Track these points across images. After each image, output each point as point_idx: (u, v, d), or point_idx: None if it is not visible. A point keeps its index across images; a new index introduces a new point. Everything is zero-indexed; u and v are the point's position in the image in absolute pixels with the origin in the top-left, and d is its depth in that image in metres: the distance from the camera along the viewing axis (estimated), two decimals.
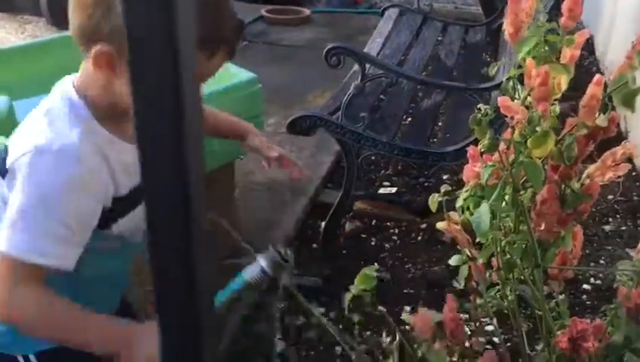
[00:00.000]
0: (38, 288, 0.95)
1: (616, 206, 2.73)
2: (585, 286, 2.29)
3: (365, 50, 2.93)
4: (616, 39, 3.65)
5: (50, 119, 0.98)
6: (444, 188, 1.00)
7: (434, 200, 0.99)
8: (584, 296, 2.25)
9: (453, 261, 1.00)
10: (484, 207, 0.89)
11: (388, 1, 5.75)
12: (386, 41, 3.20)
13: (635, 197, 2.79)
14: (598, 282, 2.31)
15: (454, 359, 0.95)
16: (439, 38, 3.57)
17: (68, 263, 0.96)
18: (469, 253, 1.00)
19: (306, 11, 5.07)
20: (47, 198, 0.93)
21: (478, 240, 0.95)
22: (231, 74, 2.21)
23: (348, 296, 0.90)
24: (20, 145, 0.96)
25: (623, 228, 2.63)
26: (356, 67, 2.60)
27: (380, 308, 0.94)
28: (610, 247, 2.51)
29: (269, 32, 4.76)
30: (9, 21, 4.75)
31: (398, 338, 0.96)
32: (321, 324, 2.10)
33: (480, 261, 0.98)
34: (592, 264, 2.38)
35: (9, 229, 0.92)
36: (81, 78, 1.01)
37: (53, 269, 0.95)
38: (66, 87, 1.01)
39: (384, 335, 1.00)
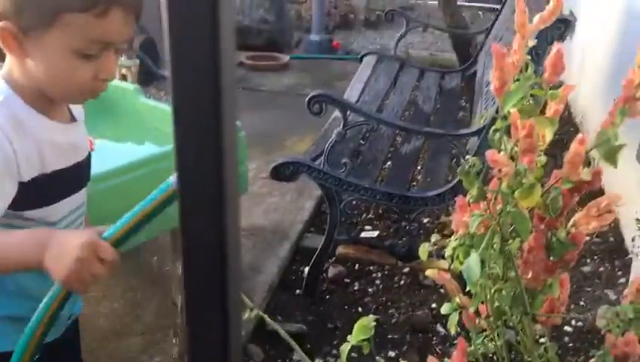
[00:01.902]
0: None
1: (593, 247, 2.77)
2: (567, 328, 2.31)
3: (345, 96, 2.99)
4: (586, 87, 3.77)
5: None
6: (434, 237, 1.02)
7: (424, 250, 1.01)
8: (566, 338, 2.27)
9: (444, 309, 1.01)
10: (474, 257, 0.90)
11: (363, 47, 5.91)
12: (365, 86, 3.27)
13: (612, 239, 2.85)
14: (580, 324, 2.33)
15: None
16: (416, 84, 3.66)
17: None
18: (459, 301, 1.02)
19: (285, 57, 5.16)
20: None
21: (468, 288, 0.96)
22: None
23: (346, 347, 0.90)
24: None
25: (601, 269, 2.67)
26: (336, 113, 2.64)
27: (378, 358, 0.94)
28: (589, 288, 2.54)
29: (249, 78, 4.83)
30: None
31: None
32: None
33: (471, 309, 0.99)
34: (572, 306, 2.40)
35: None
36: (4, 68, 1.04)
37: None
38: None
39: None
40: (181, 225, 0.36)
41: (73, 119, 1.12)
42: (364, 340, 0.91)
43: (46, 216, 1.08)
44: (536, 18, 1.03)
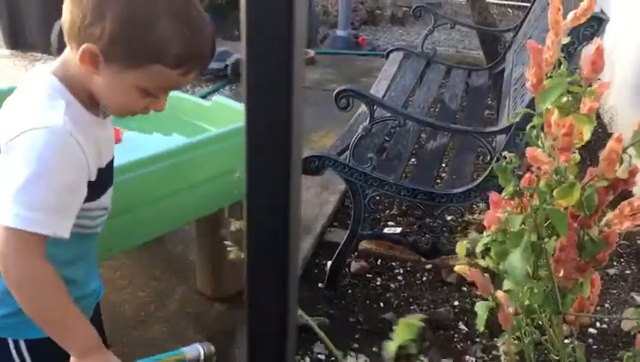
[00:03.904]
0: (40, 257, 1.00)
1: (619, 250, 2.74)
2: (591, 330, 2.28)
3: (371, 92, 2.98)
4: (615, 87, 3.72)
5: (39, 102, 1.05)
6: (471, 234, 1.01)
7: (462, 246, 1.01)
8: (590, 340, 2.25)
9: (479, 308, 1.00)
10: (517, 255, 0.90)
11: (389, 43, 5.89)
12: (392, 83, 3.26)
13: (639, 241, 2.81)
14: (604, 326, 2.31)
15: None
16: (443, 81, 3.64)
17: (62, 231, 1.02)
18: (493, 299, 1.01)
19: (311, 52, 5.16)
20: (45, 172, 0.99)
21: (505, 287, 0.96)
22: (241, 114, 2.23)
23: (391, 347, 0.83)
24: (14, 126, 1.02)
25: (627, 271, 2.64)
26: (362, 108, 2.64)
27: (422, 357, 0.89)
28: (614, 291, 2.52)
29: None
30: (19, 58, 4.82)
31: None
32: None
33: (510, 309, 0.99)
34: (597, 308, 2.38)
35: (10, 203, 0.97)
36: (62, 66, 1.08)
37: (50, 237, 1.00)
38: (45, 77, 1.08)
39: None
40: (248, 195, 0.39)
41: (105, 114, 1.18)
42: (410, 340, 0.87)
43: (98, 206, 1.15)
44: (570, 15, 1.02)
